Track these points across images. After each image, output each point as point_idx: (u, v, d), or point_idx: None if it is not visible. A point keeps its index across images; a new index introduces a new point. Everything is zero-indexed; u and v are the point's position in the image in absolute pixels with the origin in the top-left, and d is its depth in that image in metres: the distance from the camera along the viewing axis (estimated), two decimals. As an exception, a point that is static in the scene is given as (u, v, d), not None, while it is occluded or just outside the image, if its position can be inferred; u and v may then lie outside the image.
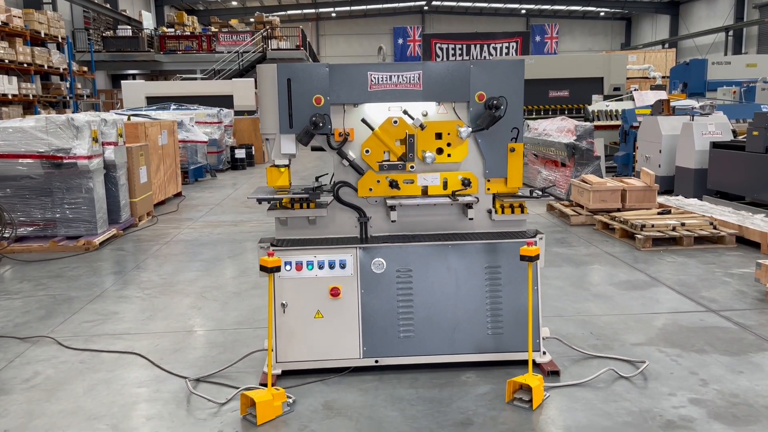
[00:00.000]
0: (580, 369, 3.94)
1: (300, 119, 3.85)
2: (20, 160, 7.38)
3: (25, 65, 19.61)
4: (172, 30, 28.19)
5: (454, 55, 47.41)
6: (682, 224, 7.16)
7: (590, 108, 14.51)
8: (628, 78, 17.95)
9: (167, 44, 27.47)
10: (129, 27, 27.30)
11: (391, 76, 3.89)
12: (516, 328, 3.95)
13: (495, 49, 47.10)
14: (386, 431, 3.26)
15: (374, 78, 3.88)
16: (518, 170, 4.02)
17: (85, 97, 24.39)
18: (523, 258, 3.52)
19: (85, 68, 24.63)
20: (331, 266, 3.90)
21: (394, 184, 3.94)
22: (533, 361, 3.90)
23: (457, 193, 3.96)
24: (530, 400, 3.45)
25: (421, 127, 3.92)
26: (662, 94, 14.07)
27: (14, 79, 19.01)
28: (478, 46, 47.43)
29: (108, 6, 27.48)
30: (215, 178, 14.61)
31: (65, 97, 22.54)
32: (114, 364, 4.16)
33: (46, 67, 20.97)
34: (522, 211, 4.07)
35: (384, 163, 3.96)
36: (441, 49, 48.18)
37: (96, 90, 26.51)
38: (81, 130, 7.40)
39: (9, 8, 19.36)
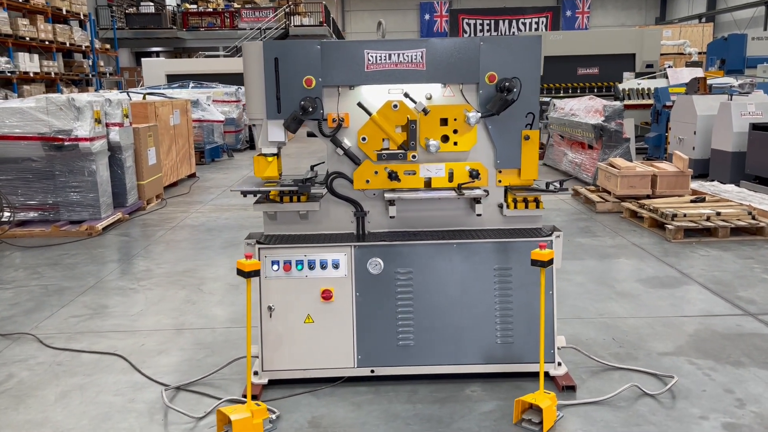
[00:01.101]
0: (600, 383, 3.54)
1: (289, 103, 3.46)
2: (21, 142, 7.13)
3: (47, 43, 19.49)
4: (195, 6, 27.88)
5: (482, 30, 46.43)
6: (718, 213, 6.64)
7: (620, 86, 13.84)
8: (662, 54, 17.12)
9: (190, 21, 27.17)
10: (152, 4, 27.04)
11: (390, 55, 3.46)
12: (528, 336, 3.54)
13: (524, 24, 45.98)
14: (376, 456, 2.91)
15: (372, 57, 3.46)
16: (533, 160, 3.59)
17: (108, 74, 24.29)
18: (534, 263, 3.10)
19: (108, 46, 24.50)
20: (323, 266, 3.53)
21: (393, 176, 3.54)
22: (546, 373, 3.53)
23: (463, 186, 3.55)
24: (540, 422, 3.06)
25: (424, 111, 3.50)
26: (698, 72, 13.33)
27: (36, 56, 18.90)
28: (506, 22, 46.35)
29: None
30: (232, 159, 14.33)
31: (88, 75, 22.44)
32: (93, 367, 3.87)
33: (68, 45, 20.85)
34: (537, 206, 3.64)
35: (383, 152, 3.55)
36: (468, 24, 47.21)
37: (119, 68, 26.41)
38: (82, 110, 7.11)
39: (30, -15, 19.16)
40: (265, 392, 3.49)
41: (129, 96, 11.18)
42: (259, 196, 3.61)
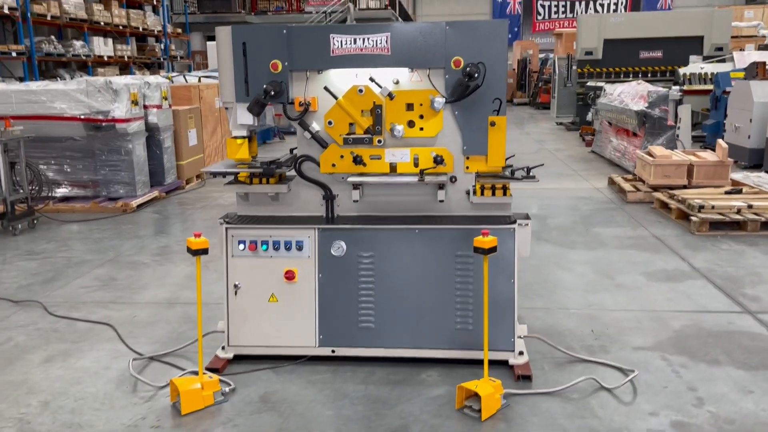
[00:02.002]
0: (560, 375, 3.48)
1: (257, 87, 3.54)
2: (64, 122, 7.57)
3: (121, 27, 20.39)
4: (264, -10, 28.42)
5: (557, 12, 45.08)
6: (749, 206, 6.30)
7: (681, 71, 13.21)
8: (733, 36, 16.16)
9: (258, 5, 27.74)
10: (222, -12, 27.74)
11: (355, 39, 3.49)
12: (489, 324, 3.52)
13: (602, 5, 44.32)
14: (311, 432, 2.99)
15: (337, 42, 3.50)
16: (499, 147, 3.54)
17: (179, 58, 25.19)
18: (476, 250, 3.08)
19: (180, 30, 25.38)
20: (287, 247, 3.62)
21: (358, 160, 3.58)
22: (505, 362, 3.51)
23: (426, 171, 3.54)
24: (480, 410, 3.06)
25: (390, 96, 3.52)
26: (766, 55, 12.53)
27: (110, 41, 19.83)
28: (583, 3, 44.81)
29: (203, -33, 28.01)
30: (283, 141, 14.63)
31: (159, 59, 23.35)
32: (83, 335, 4.13)
33: (141, 29, 21.72)
34: (504, 194, 3.59)
35: (349, 136, 3.59)
36: (543, 6, 45.89)
37: (190, 51, 27.31)
38: (119, 93, 7.47)
39: (105, -28, 20.05)
40: (229, 366, 3.63)
41: (185, 79, 11.61)
42: (230, 177, 3.74)
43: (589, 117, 12.91)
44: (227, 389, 3.34)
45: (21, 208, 6.87)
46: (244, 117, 3.61)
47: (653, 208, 7.21)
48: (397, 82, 3.57)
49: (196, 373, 3.47)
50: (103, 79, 7.55)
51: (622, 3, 43.76)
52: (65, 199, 7.89)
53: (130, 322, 4.31)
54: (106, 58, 19.44)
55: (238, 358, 3.68)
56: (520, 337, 3.59)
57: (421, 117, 3.55)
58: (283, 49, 3.50)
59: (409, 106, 3.55)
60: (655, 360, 3.63)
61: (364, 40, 3.48)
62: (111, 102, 7.46)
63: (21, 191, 6.82)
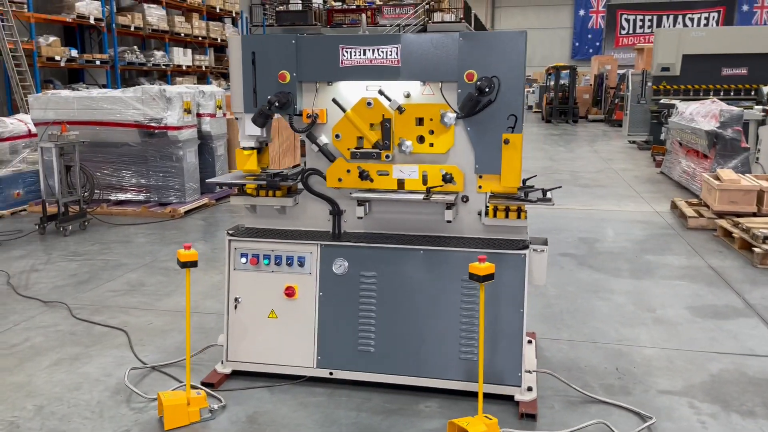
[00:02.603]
0: (570, 416, 3.20)
1: (265, 97, 3.47)
2: (120, 128, 7.81)
3: (200, 38, 21.13)
4: (340, 4, 28.83)
5: (642, 26, 43.58)
6: (822, 239, 5.72)
7: (765, 89, 12.34)
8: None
9: (334, 18, 28.14)
10: (300, 2, 28.35)
11: (365, 51, 3.36)
12: (493, 355, 3.29)
13: (691, 19, 42.49)
14: (289, 460, 2.85)
15: (346, 53, 3.37)
16: (514, 166, 3.30)
17: (256, 68, 25.88)
18: (471, 277, 2.86)
19: (257, 41, 26.09)
20: (289, 263, 3.51)
21: (365, 175, 3.43)
22: (511, 397, 3.27)
23: (433, 189, 3.36)
24: (471, 449, 2.83)
25: (399, 110, 3.36)
26: None
27: (189, 51, 20.59)
28: (671, 17, 43.14)
29: (283, -19, 28.74)
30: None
31: (236, 69, 24.05)
32: (96, 340, 4.16)
33: (219, 41, 22.44)
34: (519, 216, 3.35)
35: (356, 150, 3.46)
36: (627, 20, 44.53)
37: (267, 62, 28.02)
38: (172, 101, 7.64)
39: (188, -16, 20.84)
40: (227, 382, 3.55)
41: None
42: (239, 188, 3.67)
43: (663, 136, 12.27)
44: (216, 406, 3.25)
45: (74, 210, 7.11)
46: (252, 128, 3.55)
47: (715, 236, 6.69)
48: (408, 95, 3.41)
49: (196, 388, 3.41)
50: (157, 87, 7.76)
51: (713, 18, 41.84)
52: (119, 202, 8.13)
53: (145, 329, 4.32)
54: (184, 68, 20.15)
55: (237, 374, 3.59)
56: (529, 371, 3.33)
57: (432, 132, 3.38)
58: (292, 60, 3.41)
59: (419, 121, 3.38)
60: (681, 407, 3.28)
61: (373, 51, 3.34)
62: (164, 110, 7.63)
63: (74, 194, 7.05)
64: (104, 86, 16.63)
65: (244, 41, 3.47)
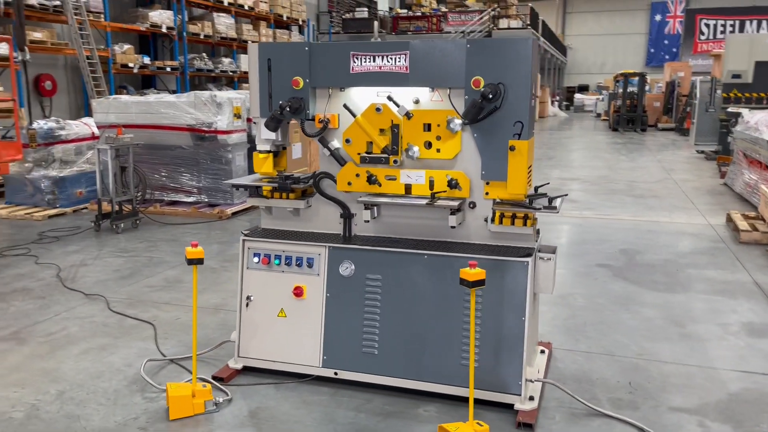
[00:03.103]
0: (570, 428, 3.14)
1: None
2: (174, 132, 8.16)
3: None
4: (405, 11, 29.02)
5: (723, 32, 41.76)
6: None
7: (843, 98, 11.63)
8: None
9: (399, 25, 28.34)
10: (366, 9, 28.72)
11: (375, 57, 3.42)
12: (494, 363, 3.27)
13: (778, 23, 40.47)
14: (281, 454, 2.93)
15: (357, 59, 3.45)
16: (520, 173, 3.27)
17: (321, 75, 26.39)
18: (462, 282, 2.86)
19: (324, 48, 26.58)
20: (299, 263, 3.61)
21: (373, 180, 3.49)
22: (511, 406, 3.24)
23: (437, 194, 3.37)
24: (458, 455, 2.83)
25: (407, 115, 3.40)
26: None
27: (256, 58, 21.22)
28: (754, 22, 41.29)
29: (350, -11, 29.21)
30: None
31: (302, 75, 24.58)
32: (126, 332, 4.38)
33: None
34: (525, 224, 3.32)
35: (366, 155, 3.52)
36: (707, 25, 42.86)
37: (333, 68, 28.49)
38: (222, 106, 7.92)
39: (257, -6, 21.48)
40: (237, 377, 3.68)
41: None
42: (251, 190, 3.80)
43: (731, 146, 11.76)
44: (221, 399, 3.37)
45: (127, 208, 7.47)
46: (267, 132, 3.66)
47: (768, 252, 6.38)
48: (417, 101, 3.45)
49: (200, 379, 3.54)
50: (208, 93, 8.06)
51: (803, 22, 39.79)
52: (172, 203, 8.48)
53: (172, 324, 4.51)
54: (251, 74, 20.75)
55: (248, 369, 3.71)
56: (531, 380, 3.30)
57: (439, 138, 3.40)
58: (305, 66, 3.51)
59: (427, 127, 3.41)
60: (689, 425, 3.17)
61: (383, 58, 3.40)
62: (215, 114, 7.92)
63: (127, 193, 7.41)
64: (174, 92, 17.34)
65: (261, 48, 3.60)
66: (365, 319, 3.49)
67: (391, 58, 3.39)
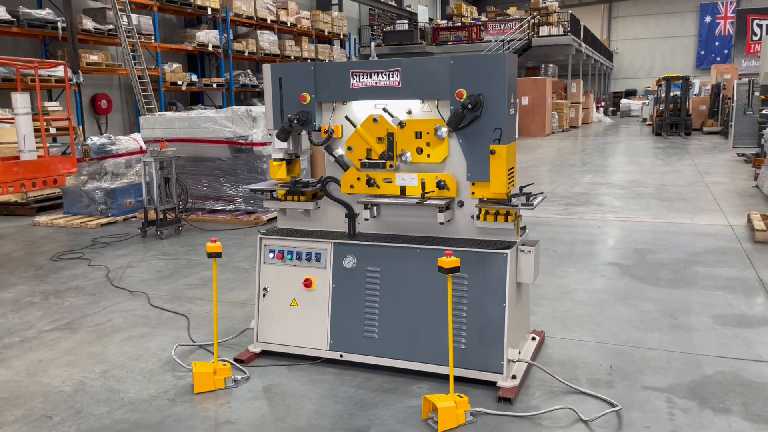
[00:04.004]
0: (546, 403, 3.48)
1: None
2: (213, 145, 8.77)
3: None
4: (445, 22, 29.44)
5: (775, 32, 40.64)
6: None
7: None
8: None
9: (439, 36, 28.79)
10: (406, 22, 29.28)
11: (371, 74, 3.86)
12: (479, 344, 3.64)
13: (833, 23, 39.27)
14: (286, 421, 3.36)
15: (355, 76, 3.89)
16: (500, 174, 3.65)
17: (363, 87, 27.02)
18: (439, 269, 3.25)
19: (365, 61, 27.23)
20: (308, 258, 4.06)
21: (372, 183, 3.93)
22: (494, 383, 3.60)
23: (427, 195, 3.78)
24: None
25: (400, 125, 3.83)
26: None
27: (299, 72, 21.97)
28: (810, 20, 40.05)
29: (392, 3, 29.79)
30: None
31: (344, 88, 25.25)
32: (163, 322, 4.91)
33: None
34: (506, 220, 3.69)
35: (366, 160, 3.96)
36: (759, 26, 41.83)
37: (375, 80, 29.10)
38: (257, 119, 8.49)
39: (299, 11, 22.30)
40: (256, 360, 4.14)
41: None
42: (266, 193, 4.28)
43: (766, 148, 11.74)
44: (239, 377, 3.84)
45: (171, 216, 8.10)
46: (280, 142, 4.14)
47: (781, 250, 6.51)
48: (409, 112, 3.87)
49: (222, 361, 4.02)
50: (244, 108, 8.64)
51: None
52: (212, 211, 9.10)
53: (203, 316, 5.02)
54: (294, 88, 21.50)
55: (265, 353, 4.17)
56: (512, 360, 3.65)
57: (428, 144, 3.81)
58: (311, 83, 3.97)
59: (418, 134, 3.83)
60: (657, 401, 3.47)
61: (378, 74, 3.84)
62: (250, 128, 8.50)
63: (171, 202, 8.04)
64: (220, 107, 18.20)
65: (273, 69, 4.08)
66: (366, 306, 3.91)
67: (385, 75, 3.82)
